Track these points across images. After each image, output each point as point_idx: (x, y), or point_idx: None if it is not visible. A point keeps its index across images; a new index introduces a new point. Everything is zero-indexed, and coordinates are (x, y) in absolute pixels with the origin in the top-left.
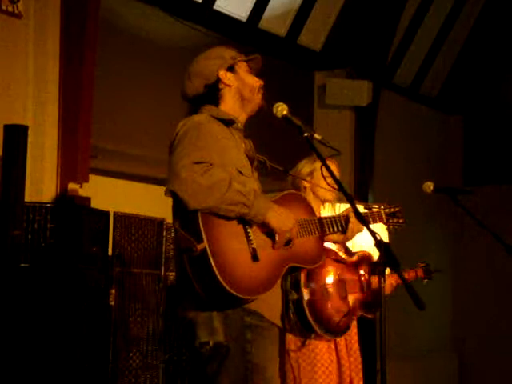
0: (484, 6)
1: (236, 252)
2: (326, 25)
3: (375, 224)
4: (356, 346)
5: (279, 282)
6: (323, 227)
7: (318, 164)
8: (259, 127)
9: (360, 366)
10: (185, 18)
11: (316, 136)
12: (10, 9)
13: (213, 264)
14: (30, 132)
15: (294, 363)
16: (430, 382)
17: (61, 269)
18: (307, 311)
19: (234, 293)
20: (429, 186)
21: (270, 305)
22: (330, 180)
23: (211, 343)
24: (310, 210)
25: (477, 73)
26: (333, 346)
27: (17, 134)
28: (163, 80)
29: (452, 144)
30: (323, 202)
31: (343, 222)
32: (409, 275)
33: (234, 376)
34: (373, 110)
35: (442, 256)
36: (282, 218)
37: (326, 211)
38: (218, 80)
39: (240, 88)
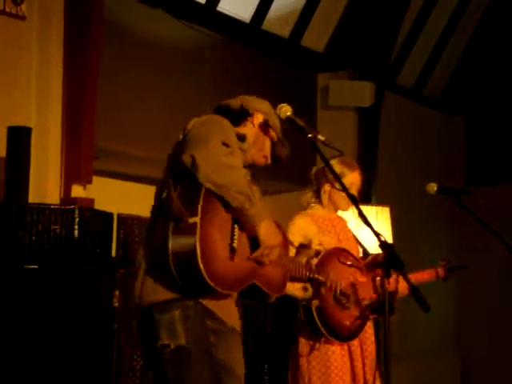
0: (487, 8)
1: (218, 241)
2: (329, 26)
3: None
4: (372, 348)
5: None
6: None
7: (348, 171)
8: None
9: (374, 366)
10: (188, 20)
11: (320, 137)
12: (14, 11)
13: (197, 238)
14: (33, 134)
15: (305, 369)
16: (433, 383)
17: (64, 270)
18: (316, 317)
19: (206, 277)
20: (432, 187)
21: (230, 310)
22: (330, 176)
23: (172, 346)
24: (286, 243)
25: (479, 74)
26: (346, 349)
27: (20, 136)
28: (167, 81)
29: (455, 145)
30: (336, 209)
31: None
32: (428, 275)
33: (201, 380)
34: (376, 112)
35: (445, 256)
36: (271, 234)
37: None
38: (251, 114)
39: (256, 138)
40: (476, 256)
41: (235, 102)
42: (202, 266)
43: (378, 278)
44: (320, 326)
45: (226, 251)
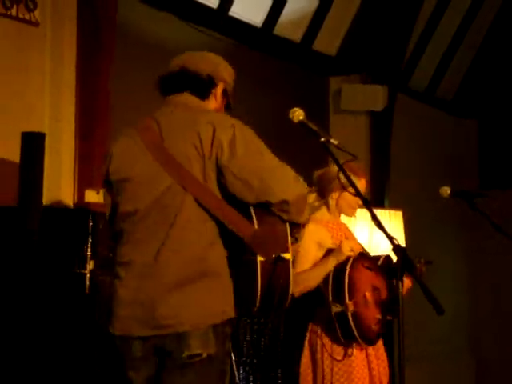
0: (499, 10)
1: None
2: (341, 30)
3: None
4: (382, 350)
5: None
6: None
7: (354, 178)
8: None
9: (387, 369)
10: (200, 25)
11: (332, 141)
12: (27, 17)
13: (291, 275)
14: (46, 139)
15: (330, 373)
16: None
17: (78, 274)
18: (352, 323)
19: (288, 301)
20: (446, 191)
21: None
22: (343, 181)
23: (204, 355)
24: None
25: (492, 76)
26: (364, 353)
27: (34, 142)
28: None
29: (468, 148)
30: (340, 213)
31: None
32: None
33: (210, 382)
34: (388, 115)
35: (458, 259)
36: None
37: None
38: (215, 85)
39: (218, 109)
40: (488, 259)
41: (199, 67)
42: (288, 299)
43: (391, 281)
44: (355, 332)
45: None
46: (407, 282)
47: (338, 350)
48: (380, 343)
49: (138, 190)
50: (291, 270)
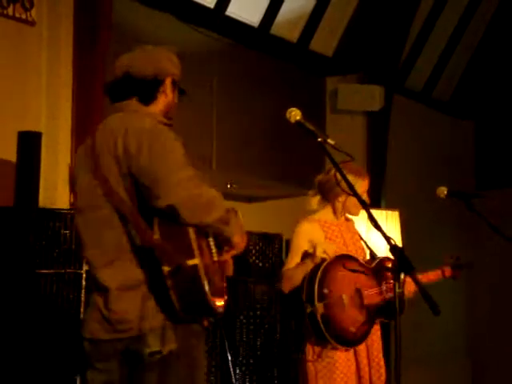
0: (496, 11)
1: (209, 265)
2: (338, 30)
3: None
4: (378, 351)
5: None
6: None
7: (358, 179)
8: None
9: (382, 371)
10: (197, 24)
11: (329, 141)
12: (24, 16)
13: (204, 280)
14: (43, 138)
15: (313, 375)
16: None
17: (74, 275)
18: (322, 325)
19: (214, 306)
20: (442, 191)
21: None
22: (343, 185)
23: (165, 351)
24: None
25: (489, 77)
26: (353, 359)
27: (31, 141)
28: None
29: (464, 148)
30: (344, 214)
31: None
32: (433, 276)
33: (182, 377)
34: (385, 115)
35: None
36: (242, 234)
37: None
38: (163, 83)
39: (171, 106)
40: (486, 259)
41: (143, 70)
42: (211, 302)
43: (385, 283)
44: (325, 332)
45: (213, 267)
46: (411, 286)
47: (314, 352)
48: (375, 344)
49: (80, 201)
50: (201, 274)
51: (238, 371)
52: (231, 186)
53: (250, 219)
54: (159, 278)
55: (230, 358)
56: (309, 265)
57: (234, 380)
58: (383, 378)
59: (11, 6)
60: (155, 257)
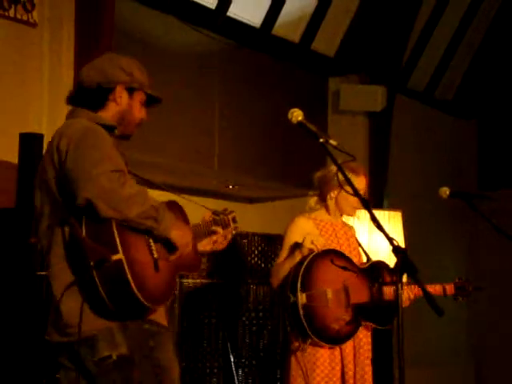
0: (499, 10)
1: (142, 262)
2: (340, 30)
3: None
4: (365, 356)
5: None
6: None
7: (353, 176)
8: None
9: (366, 377)
10: (198, 25)
11: (331, 142)
12: (25, 17)
13: (128, 275)
14: (45, 140)
15: (294, 367)
16: None
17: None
18: (302, 316)
19: (146, 303)
20: (445, 192)
21: (160, 310)
22: (346, 187)
23: (114, 356)
24: (187, 219)
25: (491, 77)
26: (338, 353)
27: (32, 143)
28: (177, 86)
29: (467, 148)
30: (341, 215)
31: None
32: (433, 290)
33: (142, 381)
34: (387, 115)
35: (458, 260)
36: (182, 234)
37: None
38: (112, 90)
39: (125, 113)
40: (488, 259)
41: (88, 80)
42: (140, 297)
43: (377, 285)
44: (306, 325)
45: (151, 265)
46: (408, 294)
47: (300, 344)
48: (365, 347)
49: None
50: (126, 268)
51: (240, 372)
52: (232, 187)
53: (251, 220)
54: (87, 273)
55: (232, 359)
56: (296, 257)
57: (236, 381)
58: (370, 381)
59: (13, 8)
60: (82, 254)
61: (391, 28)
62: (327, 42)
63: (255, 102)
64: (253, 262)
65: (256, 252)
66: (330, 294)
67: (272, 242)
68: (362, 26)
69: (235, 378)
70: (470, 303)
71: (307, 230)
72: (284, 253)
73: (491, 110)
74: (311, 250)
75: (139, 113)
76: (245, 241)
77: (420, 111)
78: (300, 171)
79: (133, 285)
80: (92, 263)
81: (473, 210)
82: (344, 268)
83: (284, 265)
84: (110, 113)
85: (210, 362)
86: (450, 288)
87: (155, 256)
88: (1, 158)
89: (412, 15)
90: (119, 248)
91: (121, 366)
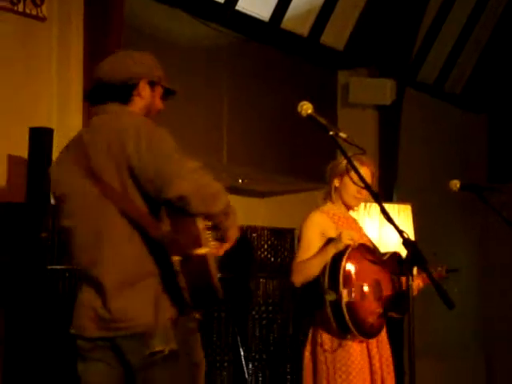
0: (509, 2)
1: (210, 255)
2: (349, 24)
3: None
4: (387, 347)
5: None
6: None
7: (357, 164)
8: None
9: (391, 367)
10: (207, 19)
11: (341, 135)
12: (34, 12)
13: (211, 268)
14: (54, 134)
15: (330, 364)
16: (455, 380)
17: None
18: (346, 313)
19: (218, 294)
20: (455, 184)
21: None
22: (356, 179)
23: (166, 351)
24: None
25: (501, 69)
26: (365, 347)
27: (42, 137)
28: (185, 80)
29: (477, 141)
30: (345, 206)
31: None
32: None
33: (182, 377)
34: (397, 109)
35: (468, 253)
36: (237, 229)
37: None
38: (136, 86)
39: (149, 106)
40: (498, 252)
41: (109, 76)
42: (218, 291)
43: (397, 277)
44: (348, 321)
45: (212, 257)
46: (418, 282)
47: (332, 342)
48: (385, 340)
49: (72, 207)
50: (210, 262)
51: (250, 366)
52: (242, 181)
53: (261, 214)
54: (169, 269)
55: (242, 353)
56: (329, 253)
57: (246, 375)
58: (392, 374)
59: (21, 2)
60: (164, 248)
61: (400, 21)
62: (336, 36)
63: (264, 96)
64: (262, 256)
65: (266, 246)
66: (367, 289)
67: (282, 236)
68: (371, 19)
69: (245, 371)
70: (481, 294)
71: (324, 225)
72: (305, 252)
73: (501, 102)
74: (347, 245)
75: (158, 105)
76: (254, 235)
77: (429, 104)
78: (310, 165)
79: (215, 279)
80: (176, 258)
81: (483, 203)
82: (373, 262)
83: (312, 262)
84: (137, 107)
85: (219, 355)
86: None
87: (212, 247)
88: (11, 152)
89: (422, 7)
90: (204, 242)
91: (166, 362)
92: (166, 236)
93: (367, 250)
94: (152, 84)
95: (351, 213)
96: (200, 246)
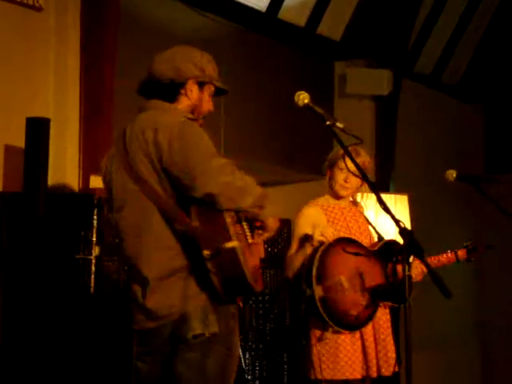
0: None
1: (243, 248)
2: (346, 14)
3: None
4: (386, 334)
5: None
6: None
7: (340, 159)
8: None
9: (390, 355)
10: (204, 10)
11: (338, 124)
12: (30, 2)
13: (242, 262)
14: (51, 125)
15: (315, 356)
16: (452, 371)
17: (82, 260)
18: (320, 308)
19: (254, 288)
20: (451, 174)
21: None
22: (353, 168)
23: (207, 334)
24: None
25: (498, 61)
26: (358, 337)
27: (39, 127)
28: None
29: (473, 132)
30: (336, 197)
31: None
32: (446, 259)
33: (219, 360)
34: (394, 99)
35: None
36: (275, 217)
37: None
38: (183, 85)
39: (196, 106)
40: (495, 242)
41: (160, 73)
42: (252, 283)
43: (391, 265)
44: (325, 316)
45: (247, 250)
46: (422, 268)
47: (319, 334)
48: (383, 329)
49: (115, 199)
50: (240, 256)
51: (247, 356)
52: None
53: None
54: (200, 263)
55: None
56: (307, 249)
57: (243, 365)
58: (391, 361)
59: None
60: (195, 242)
61: (397, 11)
62: (333, 26)
63: (261, 86)
64: None
65: None
66: (344, 282)
67: (278, 227)
68: (367, 9)
69: (242, 361)
70: (477, 284)
71: (315, 218)
72: (295, 244)
73: (498, 93)
74: (321, 242)
75: (208, 105)
76: None
77: (426, 95)
78: (307, 155)
79: (246, 270)
80: (206, 252)
81: (480, 194)
82: (356, 254)
83: (297, 256)
84: (182, 106)
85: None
86: (462, 253)
87: (249, 241)
88: (8, 142)
89: None
90: (233, 236)
91: (209, 345)
92: (193, 230)
93: (348, 242)
94: (201, 84)
95: (356, 203)
96: (229, 239)
